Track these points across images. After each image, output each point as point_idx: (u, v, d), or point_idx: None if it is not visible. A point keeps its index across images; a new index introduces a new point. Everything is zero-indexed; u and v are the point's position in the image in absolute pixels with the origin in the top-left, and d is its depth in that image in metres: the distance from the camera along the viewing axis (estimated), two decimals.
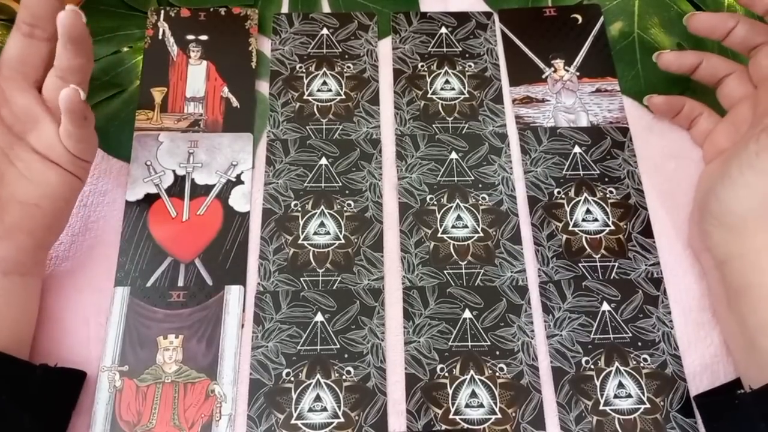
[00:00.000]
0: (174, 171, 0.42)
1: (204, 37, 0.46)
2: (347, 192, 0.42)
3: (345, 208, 0.41)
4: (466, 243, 0.40)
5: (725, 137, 0.40)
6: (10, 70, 0.34)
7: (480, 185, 0.42)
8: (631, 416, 0.36)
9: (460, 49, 0.47)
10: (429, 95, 0.45)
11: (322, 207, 0.41)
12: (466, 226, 0.41)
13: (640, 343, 0.38)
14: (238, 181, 0.42)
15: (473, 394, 0.36)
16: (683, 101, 0.42)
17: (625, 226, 0.41)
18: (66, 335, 0.38)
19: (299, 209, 0.41)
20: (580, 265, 0.40)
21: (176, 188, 0.41)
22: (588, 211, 0.41)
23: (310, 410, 0.36)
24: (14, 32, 0.34)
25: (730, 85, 0.40)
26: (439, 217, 0.41)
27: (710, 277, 0.38)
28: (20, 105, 0.34)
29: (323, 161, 0.42)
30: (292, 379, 0.37)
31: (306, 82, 0.45)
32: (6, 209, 0.33)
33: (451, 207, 0.41)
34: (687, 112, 0.42)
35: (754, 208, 0.34)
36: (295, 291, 0.39)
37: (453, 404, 0.36)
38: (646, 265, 0.40)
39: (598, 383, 0.37)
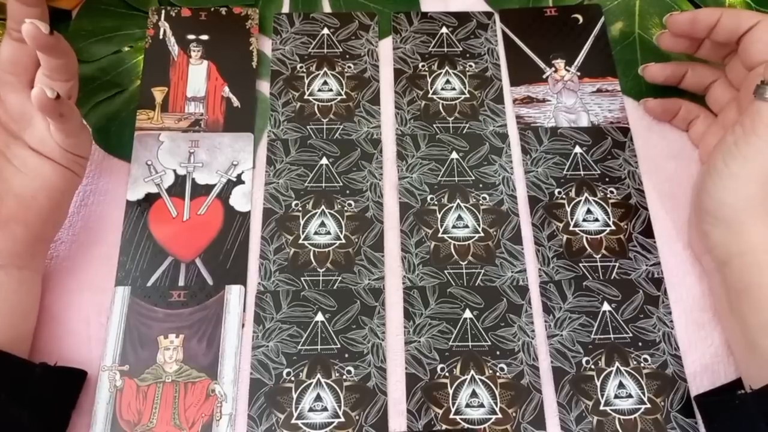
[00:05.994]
0: (175, 171, 0.42)
1: (205, 37, 0.46)
2: (348, 192, 0.42)
3: (345, 208, 0.41)
4: (466, 243, 0.40)
5: (716, 139, 0.40)
6: (3, 72, 0.35)
7: (480, 185, 0.42)
8: (632, 416, 0.36)
9: (461, 49, 0.47)
10: (430, 95, 0.45)
11: (323, 207, 0.41)
12: (466, 226, 0.41)
13: (640, 343, 0.38)
14: (239, 180, 0.42)
15: (474, 394, 0.36)
16: (679, 104, 0.43)
17: (625, 226, 0.41)
18: (67, 335, 0.38)
19: (300, 209, 0.41)
20: (580, 265, 0.40)
21: (177, 188, 0.41)
22: (589, 211, 0.41)
23: (311, 410, 0.36)
24: (6, 37, 0.35)
25: (717, 92, 0.41)
26: (439, 217, 0.41)
27: (712, 279, 0.38)
28: (15, 105, 0.35)
29: (324, 161, 0.42)
30: (293, 378, 0.37)
31: (307, 81, 0.45)
32: (2, 202, 0.34)
33: (452, 207, 0.41)
34: (683, 114, 0.43)
35: (745, 198, 0.34)
36: (295, 291, 0.39)
37: (453, 404, 0.36)
38: (646, 265, 0.40)
39: (598, 383, 0.37)
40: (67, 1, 0.47)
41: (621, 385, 0.37)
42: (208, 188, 0.42)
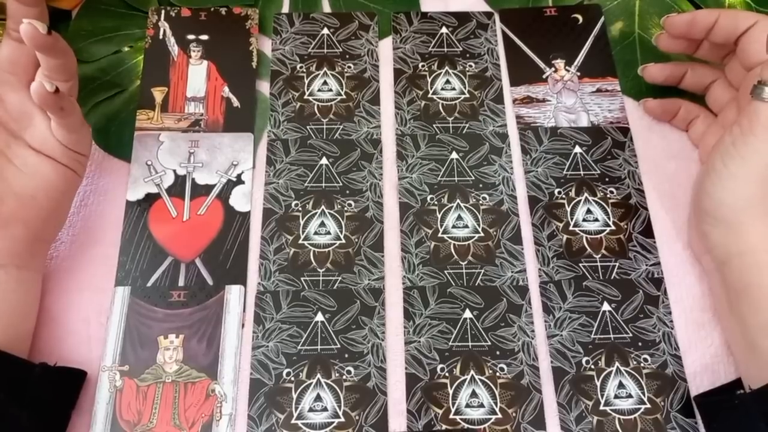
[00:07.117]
0: (174, 171, 0.42)
1: (205, 37, 0.46)
2: (348, 192, 0.42)
3: (345, 208, 0.41)
4: (466, 243, 0.40)
5: (715, 139, 0.40)
6: (3, 72, 0.35)
7: (480, 185, 0.42)
8: (632, 416, 0.36)
9: (461, 49, 0.47)
10: (429, 95, 0.45)
11: (323, 207, 0.41)
12: (466, 226, 0.41)
13: (640, 343, 0.38)
14: (239, 180, 0.42)
15: (473, 394, 0.36)
16: (679, 104, 0.43)
17: (625, 226, 0.41)
18: (67, 335, 0.38)
19: (300, 209, 0.41)
20: (580, 265, 0.40)
21: (177, 188, 0.41)
22: (588, 211, 0.41)
23: (311, 410, 0.36)
24: (5, 37, 0.35)
25: (716, 92, 0.41)
26: (439, 217, 0.41)
27: (712, 279, 0.38)
28: (14, 104, 0.35)
29: (324, 161, 0.42)
30: (293, 378, 0.37)
31: (306, 81, 0.45)
32: (2, 201, 0.34)
33: (452, 207, 0.41)
34: (683, 115, 0.43)
35: (744, 198, 0.35)
36: (295, 291, 0.39)
37: (453, 404, 0.36)
38: (646, 265, 0.40)
39: (598, 383, 0.37)
40: (67, 1, 0.47)
41: (621, 385, 0.37)
42: (208, 188, 0.42)
